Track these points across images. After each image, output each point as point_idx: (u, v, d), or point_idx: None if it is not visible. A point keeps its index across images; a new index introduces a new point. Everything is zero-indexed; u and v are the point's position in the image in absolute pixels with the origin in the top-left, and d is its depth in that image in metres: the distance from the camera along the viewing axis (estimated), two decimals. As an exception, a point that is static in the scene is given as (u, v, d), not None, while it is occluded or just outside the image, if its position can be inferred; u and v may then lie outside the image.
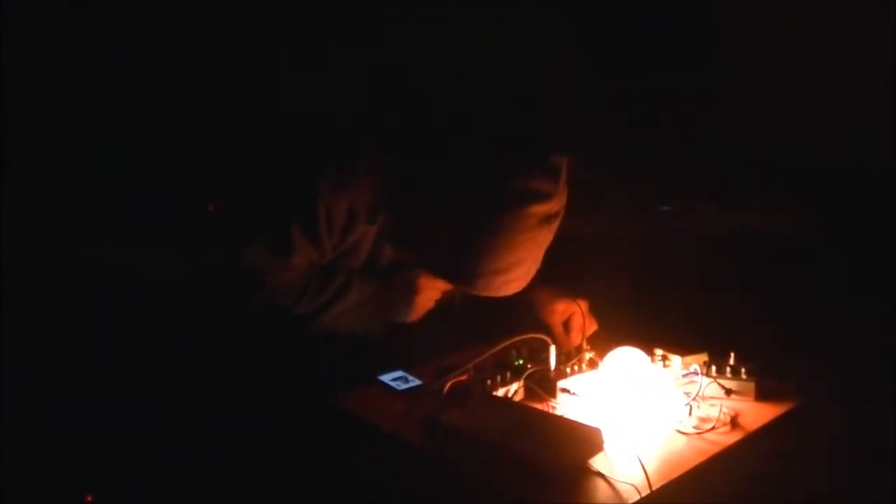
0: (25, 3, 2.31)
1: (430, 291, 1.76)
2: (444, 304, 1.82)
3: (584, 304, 1.76)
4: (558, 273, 1.81)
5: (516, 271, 1.58)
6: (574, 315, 1.76)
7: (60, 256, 2.32)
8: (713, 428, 1.40)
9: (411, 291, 1.74)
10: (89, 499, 1.84)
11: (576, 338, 1.73)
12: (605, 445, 1.30)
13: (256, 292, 1.69)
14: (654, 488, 1.21)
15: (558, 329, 1.77)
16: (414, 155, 1.63)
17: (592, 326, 1.76)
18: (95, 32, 2.46)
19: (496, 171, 1.50)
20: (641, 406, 1.44)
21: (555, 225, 1.57)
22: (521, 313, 1.82)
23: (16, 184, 2.26)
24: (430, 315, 1.80)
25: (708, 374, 1.53)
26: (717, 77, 2.70)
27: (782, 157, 2.53)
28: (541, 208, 1.51)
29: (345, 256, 1.76)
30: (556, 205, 1.53)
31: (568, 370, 1.59)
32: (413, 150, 1.64)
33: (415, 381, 1.58)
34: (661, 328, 1.68)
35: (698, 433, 1.39)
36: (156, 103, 2.53)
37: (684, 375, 1.56)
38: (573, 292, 1.80)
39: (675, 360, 1.60)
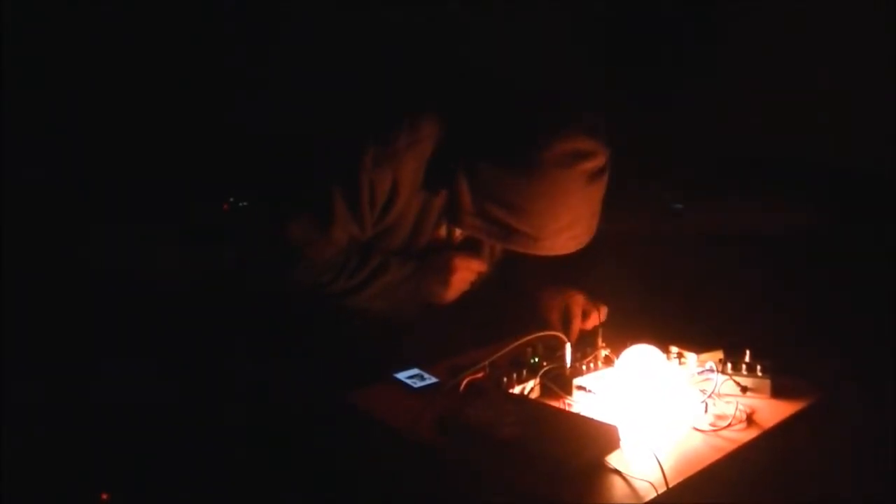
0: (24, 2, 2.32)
1: (465, 272, 1.78)
2: (468, 298, 1.84)
3: (580, 298, 1.78)
4: (573, 272, 1.82)
5: (577, 228, 1.62)
6: (571, 308, 1.78)
7: (65, 257, 2.32)
8: (729, 425, 1.40)
9: (446, 271, 1.76)
10: (104, 496, 1.85)
11: (573, 331, 1.75)
12: (622, 443, 1.30)
13: (296, 268, 1.71)
14: (670, 485, 1.22)
15: (555, 324, 1.78)
16: (459, 127, 1.66)
17: (595, 318, 1.77)
18: (95, 25, 2.46)
19: (541, 135, 1.55)
20: (657, 403, 1.44)
21: (603, 179, 1.61)
22: (523, 312, 1.84)
23: (18, 183, 2.27)
24: (450, 310, 1.81)
25: (723, 372, 1.53)
26: (722, 77, 2.70)
27: (797, 155, 2.52)
28: (587, 165, 1.55)
29: (384, 235, 1.77)
30: (600, 160, 1.58)
31: (584, 367, 1.59)
32: (457, 123, 1.67)
33: (431, 379, 1.58)
34: (676, 326, 1.68)
35: (714, 430, 1.39)
36: (170, 98, 2.54)
37: (700, 373, 1.56)
38: (573, 287, 1.82)
39: (691, 357, 1.60)
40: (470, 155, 1.62)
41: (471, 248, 1.86)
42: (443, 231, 1.83)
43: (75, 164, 2.45)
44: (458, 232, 1.83)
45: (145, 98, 2.53)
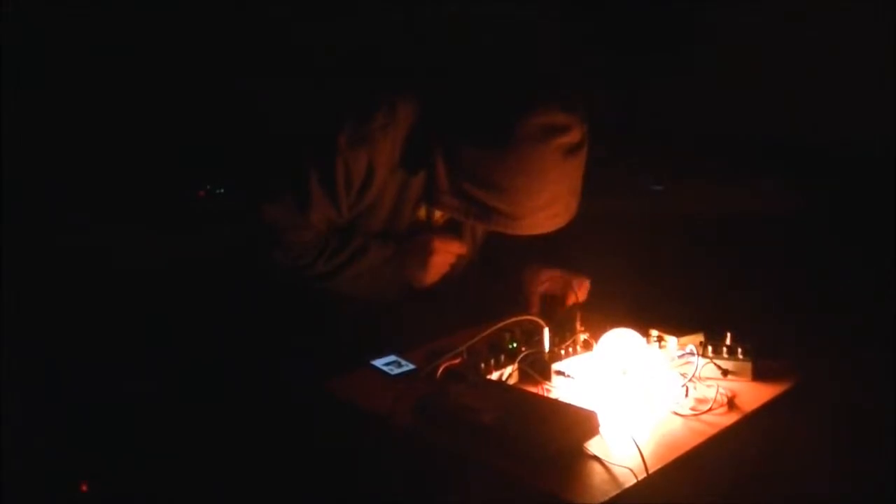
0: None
1: (445, 255, 1.78)
2: (447, 281, 1.83)
3: (557, 274, 1.78)
4: (551, 254, 1.80)
5: (556, 206, 1.60)
6: (551, 286, 1.78)
7: (50, 247, 2.31)
8: (710, 409, 1.39)
9: (427, 253, 1.76)
10: (84, 487, 1.84)
11: (557, 310, 1.74)
12: (601, 428, 1.29)
13: (276, 250, 1.71)
14: (650, 471, 1.20)
15: (535, 302, 1.78)
16: (436, 107, 1.65)
17: (573, 297, 1.77)
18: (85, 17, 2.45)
19: (515, 111, 1.53)
20: (637, 388, 1.43)
21: (581, 156, 1.59)
22: (503, 292, 1.82)
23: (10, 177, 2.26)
24: (426, 295, 1.80)
25: (704, 355, 1.52)
26: (713, 57, 2.69)
27: (775, 137, 2.52)
28: (563, 140, 1.54)
29: (362, 219, 1.77)
30: (576, 135, 1.56)
31: (562, 352, 1.57)
32: (434, 103, 1.66)
33: (408, 366, 1.57)
34: (656, 308, 1.66)
35: (695, 415, 1.38)
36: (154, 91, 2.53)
37: (680, 356, 1.55)
38: (552, 266, 1.80)
39: (671, 340, 1.58)
40: (447, 134, 1.60)
41: (452, 230, 1.84)
42: (422, 213, 1.81)
43: (54, 157, 2.45)
44: (437, 214, 1.81)
45: (124, 91, 2.53)
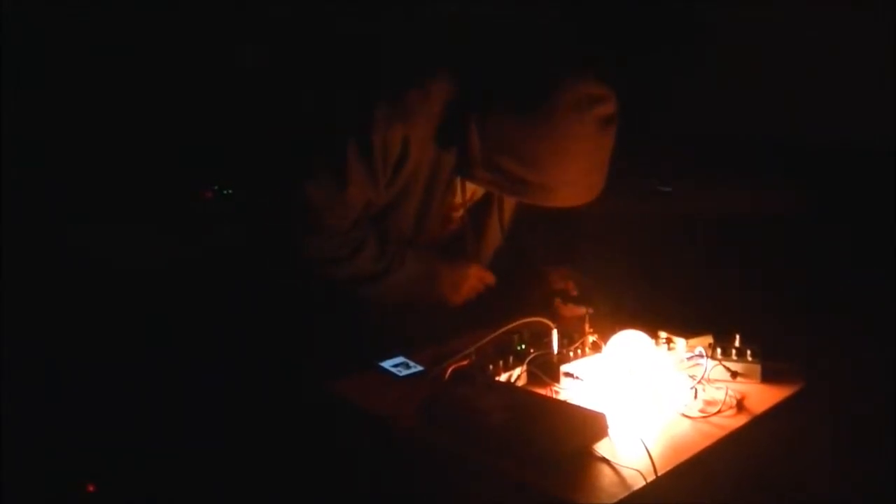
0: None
1: (477, 282, 1.80)
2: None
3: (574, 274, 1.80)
4: (561, 256, 1.81)
5: (592, 177, 1.61)
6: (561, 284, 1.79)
7: (53, 247, 2.31)
8: (719, 411, 1.38)
9: (463, 279, 1.78)
10: (90, 488, 1.84)
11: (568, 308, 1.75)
12: (610, 430, 1.28)
13: (311, 237, 1.68)
14: (659, 473, 1.20)
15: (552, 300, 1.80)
16: (470, 83, 1.65)
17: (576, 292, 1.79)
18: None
19: (552, 82, 1.54)
20: (646, 390, 1.42)
21: (613, 129, 1.60)
22: (530, 291, 1.84)
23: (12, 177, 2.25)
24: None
25: (713, 357, 1.51)
26: (713, 57, 2.69)
27: (777, 137, 2.52)
28: (600, 110, 1.55)
29: (397, 201, 1.75)
30: (611, 106, 1.57)
31: (571, 354, 1.57)
32: (469, 79, 1.66)
33: (416, 367, 1.56)
34: (664, 310, 1.66)
35: (704, 417, 1.37)
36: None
37: (689, 358, 1.54)
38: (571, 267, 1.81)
39: (680, 342, 1.58)
40: (481, 108, 1.60)
41: (481, 212, 1.85)
42: (457, 197, 1.80)
43: (61, 160, 2.45)
44: (469, 194, 1.80)
45: (125, 91, 2.52)
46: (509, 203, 1.87)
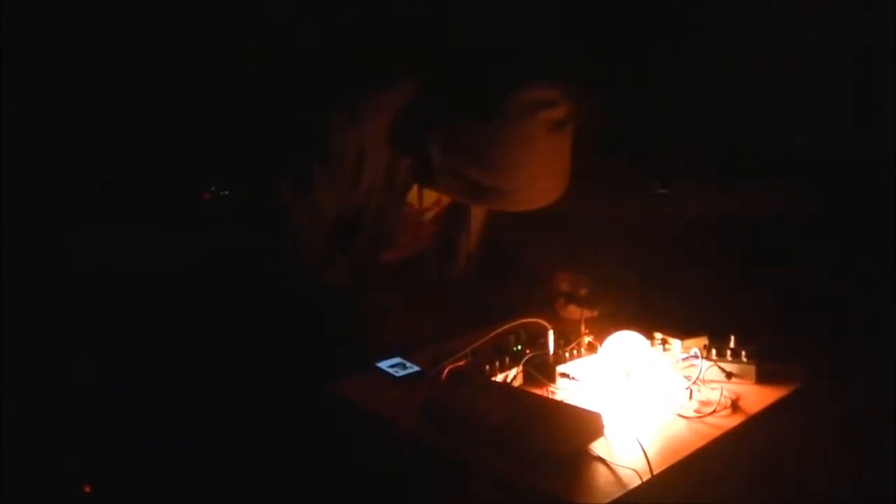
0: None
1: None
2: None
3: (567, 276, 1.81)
4: (558, 257, 1.81)
5: (546, 181, 1.64)
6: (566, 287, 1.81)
7: (53, 247, 2.31)
8: (714, 411, 1.39)
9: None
10: (87, 489, 1.84)
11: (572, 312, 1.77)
12: (606, 430, 1.29)
13: (288, 235, 1.74)
14: (655, 473, 1.20)
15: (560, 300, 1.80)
16: (429, 88, 1.69)
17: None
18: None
19: (503, 88, 1.58)
20: (642, 390, 1.43)
21: (567, 132, 1.63)
22: (524, 290, 1.85)
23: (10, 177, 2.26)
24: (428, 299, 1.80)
25: (708, 358, 1.52)
26: (713, 58, 2.69)
27: (780, 139, 2.52)
28: (548, 114, 1.57)
29: (359, 218, 1.78)
30: (562, 110, 1.60)
31: (567, 355, 1.58)
32: (421, 83, 1.70)
33: (413, 368, 1.57)
34: (660, 311, 1.67)
35: (699, 417, 1.38)
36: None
37: (684, 359, 1.55)
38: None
39: (675, 343, 1.59)
40: (440, 115, 1.64)
41: (452, 220, 1.88)
42: (416, 203, 1.84)
43: (61, 160, 2.45)
44: (433, 200, 1.84)
45: (125, 91, 2.52)
46: (479, 209, 1.90)
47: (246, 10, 2.66)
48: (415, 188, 1.80)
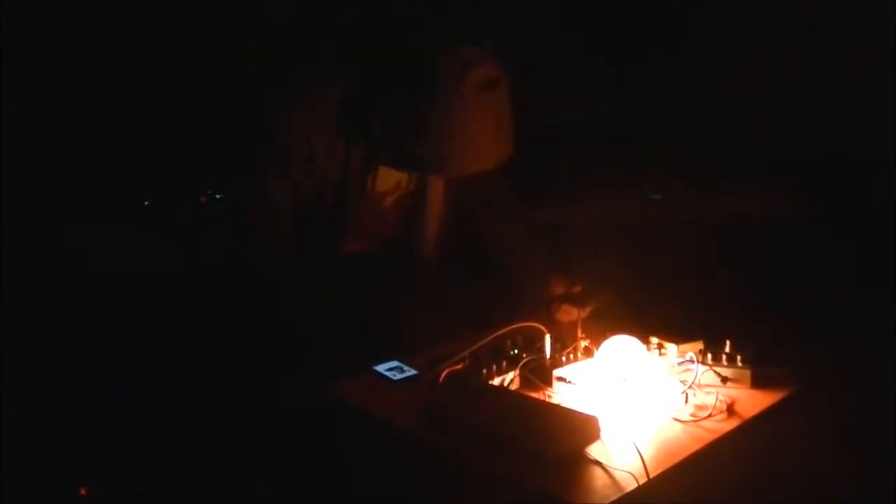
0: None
1: None
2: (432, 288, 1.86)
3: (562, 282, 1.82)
4: (551, 262, 1.82)
5: (482, 143, 1.62)
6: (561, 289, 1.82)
7: (53, 247, 2.31)
8: (709, 415, 1.40)
9: None
10: (83, 491, 1.84)
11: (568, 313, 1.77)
12: (602, 434, 1.30)
13: (251, 233, 1.76)
14: (651, 476, 1.21)
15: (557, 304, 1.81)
16: (363, 68, 1.69)
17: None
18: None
19: (429, 54, 1.57)
20: (638, 394, 1.44)
21: (499, 91, 1.61)
22: (519, 294, 1.85)
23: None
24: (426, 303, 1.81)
25: (704, 362, 1.53)
26: (713, 59, 2.69)
27: (770, 142, 2.52)
28: (473, 75, 1.56)
29: (319, 207, 1.78)
30: (489, 70, 1.58)
31: (564, 359, 1.59)
32: (365, 66, 1.70)
33: (410, 371, 1.58)
34: (656, 316, 1.68)
35: (695, 421, 1.39)
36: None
37: (680, 363, 1.56)
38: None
39: (671, 348, 1.59)
40: (376, 91, 1.64)
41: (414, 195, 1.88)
42: (370, 185, 1.83)
43: (61, 160, 2.45)
44: (393, 183, 1.85)
45: (125, 91, 2.53)
46: (437, 189, 1.90)
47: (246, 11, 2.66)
48: (372, 173, 1.80)
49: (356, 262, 1.91)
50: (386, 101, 1.62)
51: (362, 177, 1.79)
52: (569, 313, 1.79)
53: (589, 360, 1.60)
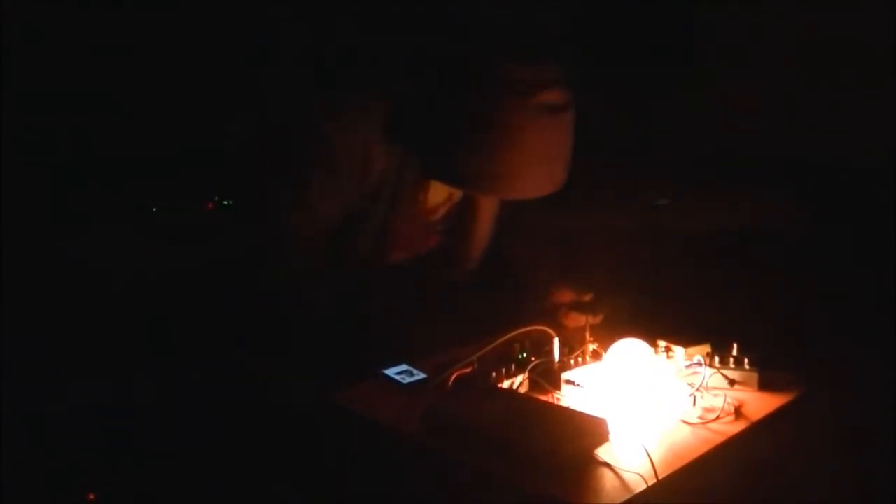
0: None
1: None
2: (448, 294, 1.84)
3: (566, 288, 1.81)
4: (559, 268, 1.82)
5: (548, 166, 1.58)
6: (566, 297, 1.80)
7: (53, 248, 2.30)
8: (717, 418, 1.41)
9: None
10: (91, 497, 1.83)
11: (575, 320, 1.76)
12: (611, 436, 1.31)
13: (287, 252, 1.71)
14: (660, 477, 1.22)
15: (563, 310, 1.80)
16: (425, 79, 1.65)
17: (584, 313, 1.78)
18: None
19: (492, 61, 1.53)
20: (646, 397, 1.45)
21: (566, 120, 1.57)
22: (527, 300, 1.85)
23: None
24: (435, 307, 1.81)
25: (711, 365, 1.54)
26: (705, 75, 2.70)
27: (780, 149, 2.53)
28: (542, 97, 1.51)
29: (363, 222, 1.75)
30: (559, 95, 1.53)
31: (572, 362, 1.59)
32: (412, 74, 1.68)
33: (419, 375, 1.57)
34: (663, 319, 1.68)
35: (703, 423, 1.40)
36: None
37: (688, 366, 1.57)
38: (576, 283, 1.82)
39: (679, 351, 1.60)
40: (431, 103, 1.61)
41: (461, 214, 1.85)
42: (422, 199, 1.82)
43: (60, 160, 2.44)
44: (444, 196, 1.81)
45: (125, 92, 2.52)
46: (488, 203, 1.86)
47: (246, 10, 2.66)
48: (424, 185, 1.77)
49: (398, 272, 1.89)
50: (445, 116, 1.58)
51: (414, 189, 1.75)
52: (576, 320, 1.78)
53: (597, 364, 1.60)
